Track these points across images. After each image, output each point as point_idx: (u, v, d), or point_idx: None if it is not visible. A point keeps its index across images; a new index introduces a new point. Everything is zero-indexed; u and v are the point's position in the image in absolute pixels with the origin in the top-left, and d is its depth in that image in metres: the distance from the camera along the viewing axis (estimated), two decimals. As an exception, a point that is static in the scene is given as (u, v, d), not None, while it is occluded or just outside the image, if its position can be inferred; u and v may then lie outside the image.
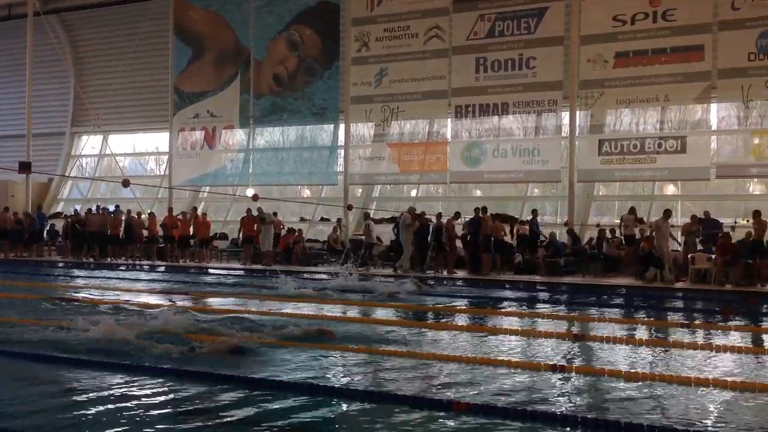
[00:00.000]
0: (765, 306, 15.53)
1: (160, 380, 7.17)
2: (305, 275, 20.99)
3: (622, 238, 21.40)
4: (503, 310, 14.02)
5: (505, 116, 24.46)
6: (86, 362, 7.88)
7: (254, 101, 28.63)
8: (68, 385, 7.02)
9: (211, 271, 23.50)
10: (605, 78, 23.12)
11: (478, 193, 26.76)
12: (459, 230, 22.14)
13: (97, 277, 20.39)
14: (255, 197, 18.88)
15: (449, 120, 25.52)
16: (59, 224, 29.11)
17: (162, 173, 31.79)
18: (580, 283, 19.64)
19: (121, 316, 10.92)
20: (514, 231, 22.47)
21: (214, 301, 14.53)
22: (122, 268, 24.50)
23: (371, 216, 24.55)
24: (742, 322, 12.60)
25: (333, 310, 13.24)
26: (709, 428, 5.92)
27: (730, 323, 12.30)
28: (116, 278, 20.21)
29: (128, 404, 6.36)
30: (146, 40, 30.38)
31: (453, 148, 25.34)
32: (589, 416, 6.10)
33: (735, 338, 10.59)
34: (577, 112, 23.47)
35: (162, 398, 6.65)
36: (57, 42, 32.35)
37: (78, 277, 20.96)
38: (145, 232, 26.47)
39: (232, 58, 29.14)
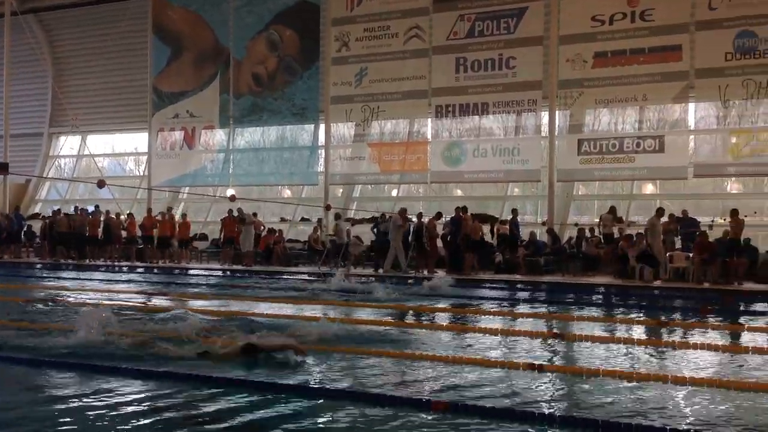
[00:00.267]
0: (742, 304, 15.66)
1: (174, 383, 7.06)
2: (285, 275, 20.93)
3: (601, 237, 21.51)
4: (502, 310, 14.03)
5: (486, 116, 24.54)
6: (102, 368, 7.64)
7: (234, 101, 28.54)
8: (82, 391, 6.82)
9: (196, 272, 23.34)
10: (584, 78, 23.24)
11: (459, 192, 26.82)
12: (440, 230, 22.15)
13: (80, 279, 20.20)
14: (232, 198, 18.77)
15: (429, 120, 25.57)
16: (37, 225, 28.89)
17: (141, 174, 31.61)
18: (560, 281, 19.73)
19: (123, 318, 10.80)
20: (495, 230, 22.56)
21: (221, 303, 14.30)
22: (102, 269, 24.32)
23: (342, 216, 24.44)
24: (718, 320, 12.69)
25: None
26: (686, 426, 5.96)
27: (707, 321, 12.40)
28: (98, 279, 20.07)
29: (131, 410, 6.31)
30: (124, 40, 30.20)
31: (433, 148, 25.38)
32: (567, 415, 6.13)
33: (712, 336, 10.67)
34: (557, 112, 23.59)
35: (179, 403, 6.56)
36: (35, 42, 32.10)
37: (58, 278, 20.73)
38: (124, 233, 26.31)
39: (211, 58, 29.03)
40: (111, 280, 20.06)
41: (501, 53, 24.25)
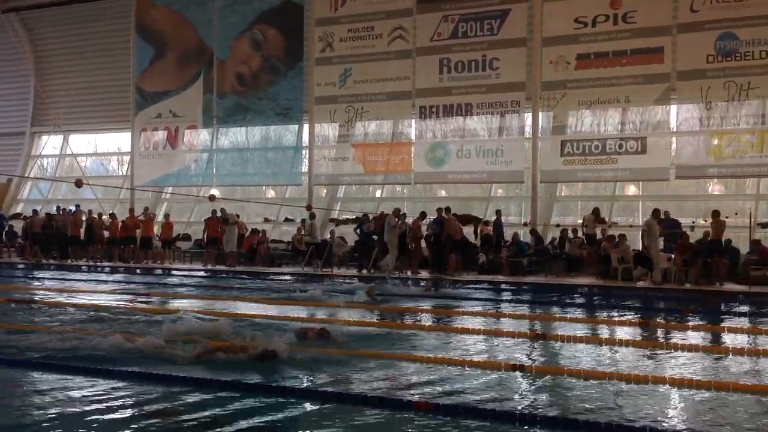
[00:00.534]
0: (723, 304, 15.77)
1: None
2: (270, 276, 20.90)
3: (584, 238, 21.62)
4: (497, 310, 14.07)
5: (469, 117, 24.60)
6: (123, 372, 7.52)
7: (217, 101, 28.46)
8: (108, 395, 6.77)
9: (180, 272, 23.27)
10: (567, 79, 23.35)
11: (443, 193, 26.86)
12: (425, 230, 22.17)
13: (72, 280, 20.00)
14: (212, 198, 18.64)
15: (413, 121, 25.59)
16: (19, 225, 28.70)
17: (124, 173, 31.47)
18: (543, 282, 19.80)
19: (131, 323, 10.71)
20: (478, 231, 22.63)
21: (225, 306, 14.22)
22: (84, 269, 24.20)
23: (316, 216, 24.27)
24: (700, 320, 12.79)
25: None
26: (667, 427, 6.00)
27: (688, 322, 12.49)
28: (85, 280, 19.95)
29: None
30: (107, 39, 30.05)
31: (417, 149, 25.41)
32: (548, 415, 6.17)
33: (693, 337, 10.75)
34: (540, 113, 23.70)
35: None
36: (17, 40, 31.89)
37: (44, 278, 20.59)
38: (106, 233, 26.18)
39: (194, 58, 28.93)
40: (94, 281, 19.97)
41: (484, 54, 24.32)
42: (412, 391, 6.97)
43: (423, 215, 22.50)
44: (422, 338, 10.26)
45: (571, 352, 9.27)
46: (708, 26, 21.75)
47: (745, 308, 15.17)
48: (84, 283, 18.76)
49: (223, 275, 21.79)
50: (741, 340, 10.48)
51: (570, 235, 21.64)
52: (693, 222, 21.09)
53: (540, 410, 6.36)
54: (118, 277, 21.74)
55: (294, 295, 15.37)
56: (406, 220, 22.00)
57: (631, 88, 22.62)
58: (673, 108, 22.62)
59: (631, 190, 24.72)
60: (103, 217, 26.69)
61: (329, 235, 23.87)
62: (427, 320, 12.59)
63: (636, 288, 18.42)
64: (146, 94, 29.69)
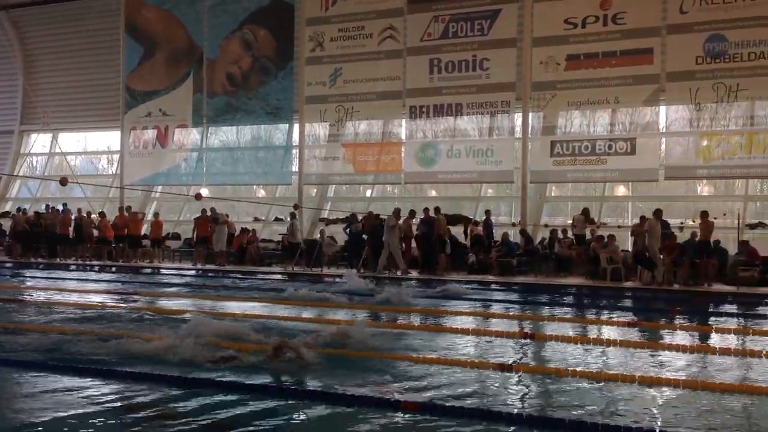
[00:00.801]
0: (712, 305, 15.83)
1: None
2: (259, 275, 20.86)
3: (573, 238, 21.67)
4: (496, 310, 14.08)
5: (459, 117, 24.62)
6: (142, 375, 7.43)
7: (208, 100, 28.40)
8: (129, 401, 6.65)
9: (171, 272, 23.22)
10: (557, 80, 23.41)
11: (433, 193, 26.89)
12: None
13: (47, 278, 20.01)
14: (198, 196, 18.59)
15: (404, 120, 25.60)
16: (8, 224, 28.59)
17: (114, 172, 31.37)
18: (533, 282, 19.84)
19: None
20: (468, 231, 22.67)
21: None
22: (72, 267, 24.11)
23: (297, 215, 24.21)
24: (687, 320, 12.84)
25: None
26: (653, 426, 6.02)
27: (675, 322, 12.54)
28: (78, 279, 19.87)
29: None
30: (97, 38, 29.98)
31: (407, 149, 25.43)
32: (536, 414, 6.18)
33: (680, 337, 10.79)
34: (530, 114, 23.74)
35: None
36: (5, 39, 31.77)
37: (35, 277, 20.49)
38: (95, 232, 26.11)
39: (184, 57, 28.87)
40: (84, 280, 19.89)
41: (475, 54, 24.36)
42: (398, 392, 6.98)
43: (412, 213, 22.51)
44: (414, 337, 10.27)
45: (560, 352, 9.29)
46: (697, 28, 21.83)
47: (732, 308, 15.23)
48: (72, 282, 18.68)
49: (211, 274, 21.73)
50: (729, 341, 10.52)
51: (559, 235, 21.69)
52: (682, 223, 21.17)
53: (527, 410, 6.37)
54: (106, 275, 21.65)
55: (286, 294, 15.20)
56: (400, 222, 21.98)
57: (620, 89, 22.69)
58: (663, 109, 22.69)
59: (621, 190, 24.80)
60: (92, 215, 26.59)
61: (319, 235, 23.85)
62: (416, 320, 12.59)
63: (625, 288, 18.48)
64: (136, 93, 29.61)
